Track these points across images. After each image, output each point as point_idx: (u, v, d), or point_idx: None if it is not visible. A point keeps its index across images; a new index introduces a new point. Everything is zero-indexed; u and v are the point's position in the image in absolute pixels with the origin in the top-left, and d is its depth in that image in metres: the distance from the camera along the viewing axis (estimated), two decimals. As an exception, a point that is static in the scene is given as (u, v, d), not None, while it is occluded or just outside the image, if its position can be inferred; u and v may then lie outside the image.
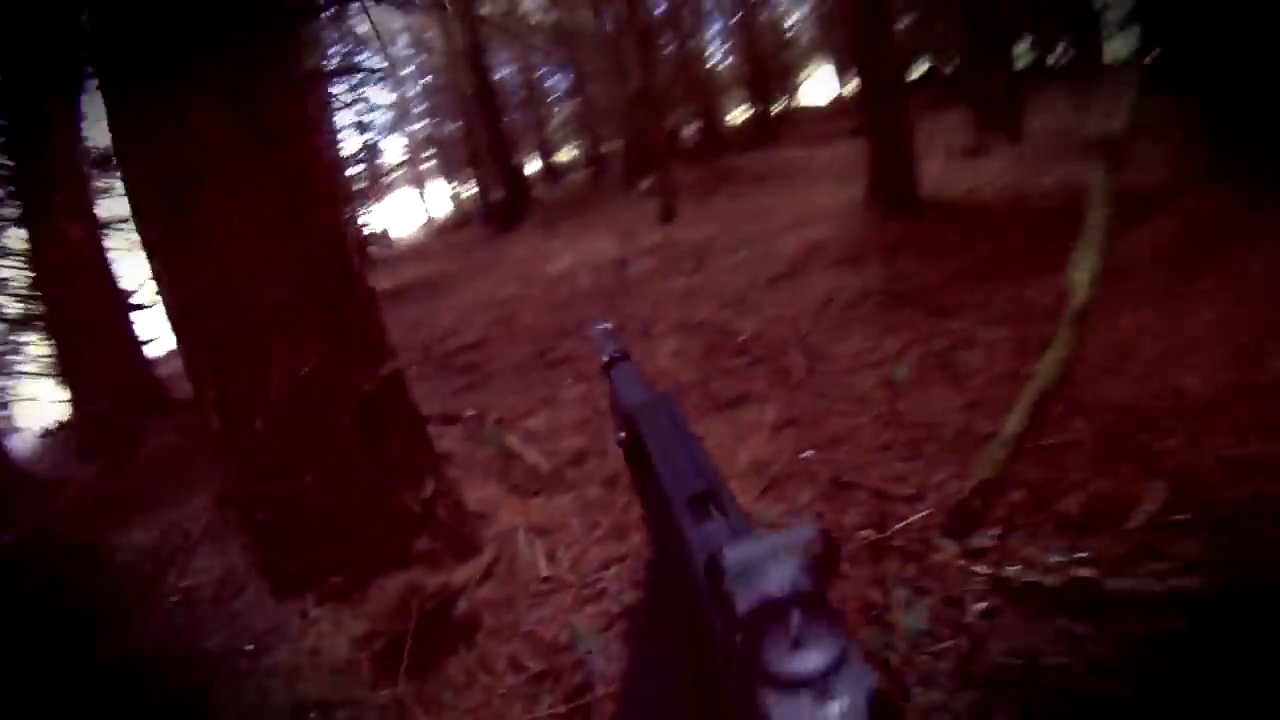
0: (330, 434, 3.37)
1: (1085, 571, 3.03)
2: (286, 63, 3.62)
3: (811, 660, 0.58)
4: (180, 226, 3.23)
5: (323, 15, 6.74)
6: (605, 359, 1.18)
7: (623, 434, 1.02)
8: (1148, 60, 4.91)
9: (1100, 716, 2.55)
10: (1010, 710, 2.60)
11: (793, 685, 0.57)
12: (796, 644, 0.59)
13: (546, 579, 3.68)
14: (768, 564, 0.65)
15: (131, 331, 7.27)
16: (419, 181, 29.35)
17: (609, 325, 1.25)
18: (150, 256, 3.46)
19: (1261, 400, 3.99)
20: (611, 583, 3.56)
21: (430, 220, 28.11)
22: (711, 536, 0.74)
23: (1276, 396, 3.99)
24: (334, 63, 13.90)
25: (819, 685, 0.57)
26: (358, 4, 6.04)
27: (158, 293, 3.63)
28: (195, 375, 3.49)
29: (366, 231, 20.29)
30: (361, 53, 16.27)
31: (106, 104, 3.36)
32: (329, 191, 3.69)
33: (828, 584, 0.63)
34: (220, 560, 4.16)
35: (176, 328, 3.48)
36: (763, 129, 22.29)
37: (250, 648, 3.44)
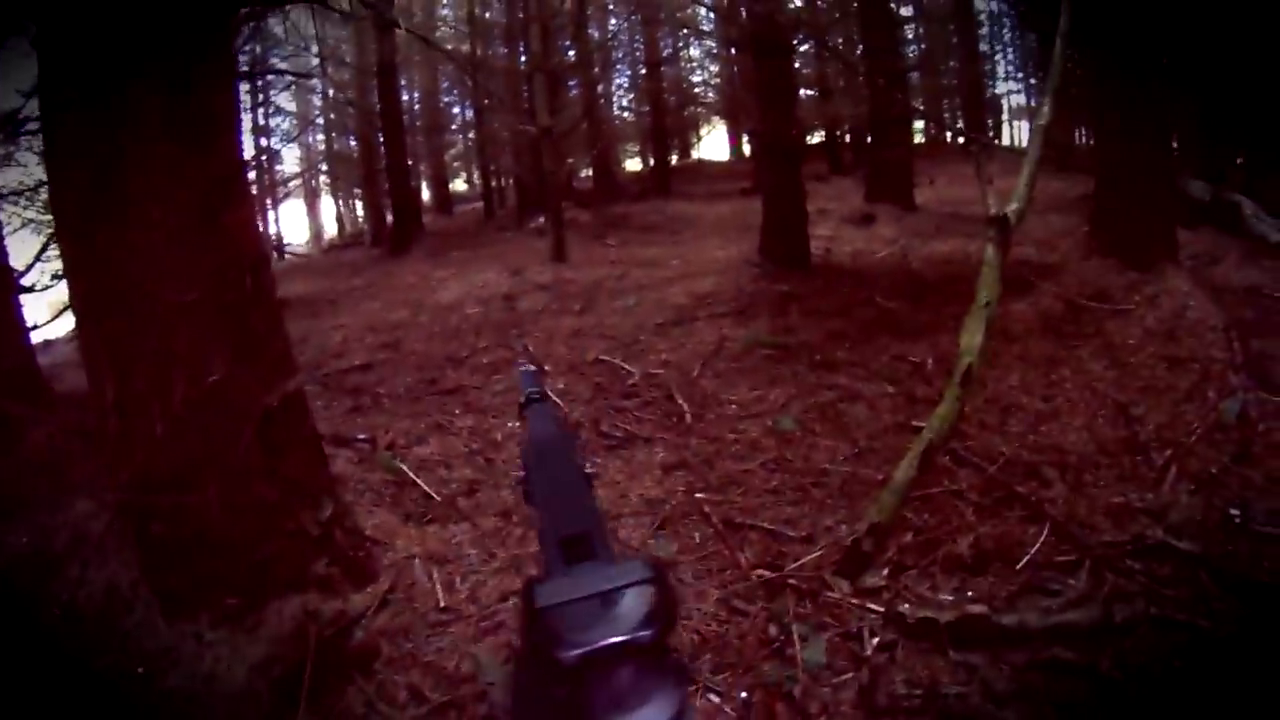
0: (232, 446, 3.26)
1: (977, 608, 3.21)
2: (225, 56, 3.56)
3: None
4: (99, 206, 3.08)
5: (262, 10, 6.52)
6: (523, 399, 1.18)
7: (522, 473, 1.03)
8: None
9: None
10: None
11: None
12: (625, 701, 0.56)
13: (445, 609, 3.63)
14: (604, 607, 0.61)
15: (18, 315, 6.87)
16: (309, 196, 28.73)
17: (532, 366, 1.26)
18: (61, 236, 3.33)
19: (1136, 454, 4.37)
20: (511, 615, 3.52)
21: (318, 237, 27.53)
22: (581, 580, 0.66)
23: (1150, 451, 4.30)
24: (246, 62, 13.53)
25: None
26: (290, 4, 5.92)
27: (62, 275, 3.47)
28: (93, 371, 3.33)
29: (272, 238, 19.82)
30: (274, 55, 15.95)
31: (40, 65, 3.22)
32: (247, 196, 3.59)
33: (669, 629, 0.60)
34: (103, 573, 3.81)
35: (79, 317, 3.33)
36: (658, 180, 22.59)
37: (141, 671, 3.20)
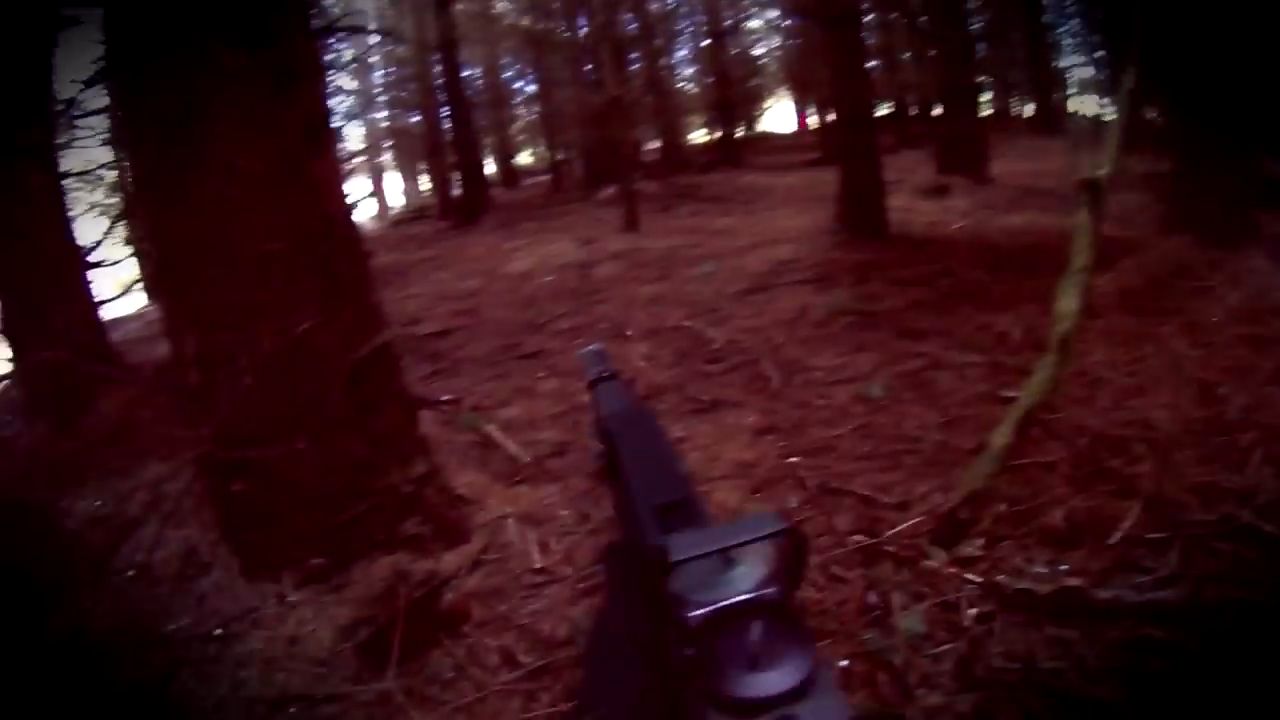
0: (320, 400, 3.17)
1: (1072, 581, 3.11)
2: (303, 8, 3.48)
3: (773, 682, 0.52)
4: (178, 157, 3.02)
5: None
6: (591, 378, 1.16)
7: (602, 448, 1.02)
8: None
9: (1091, 717, 2.62)
10: (1010, 712, 2.65)
11: (748, 711, 0.52)
12: (756, 662, 0.53)
13: (540, 570, 3.52)
14: (726, 565, 0.60)
15: (87, 290, 7.03)
16: (375, 172, 29.05)
17: (598, 347, 1.25)
18: (139, 188, 3.29)
19: (1224, 434, 4.18)
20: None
21: (384, 212, 27.83)
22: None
23: (1238, 431, 4.18)
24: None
25: (780, 713, 0.51)
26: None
27: (138, 238, 3.45)
28: (174, 324, 3.30)
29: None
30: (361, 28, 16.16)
31: (105, 20, 3.21)
32: (331, 146, 3.49)
33: (795, 590, 0.59)
34: (181, 533, 3.84)
35: (159, 269, 3.29)
36: (724, 152, 22.49)
37: (219, 632, 3.17)
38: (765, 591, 0.58)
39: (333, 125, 3.58)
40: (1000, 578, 3.21)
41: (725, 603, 0.57)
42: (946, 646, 2.94)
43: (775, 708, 0.51)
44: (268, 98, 3.04)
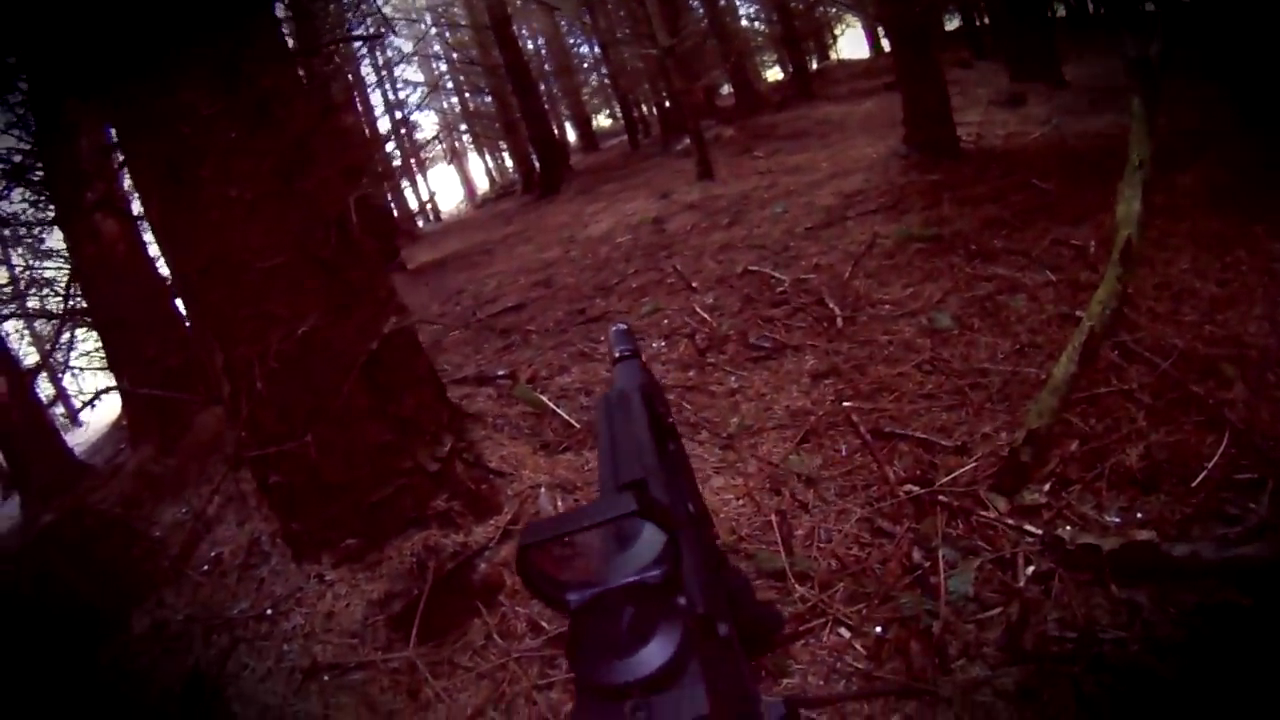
0: (335, 393, 3.35)
1: (1145, 534, 2.77)
2: (276, 34, 3.69)
3: (629, 669, 0.52)
4: (177, 199, 3.28)
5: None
6: (615, 355, 1.16)
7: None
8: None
9: (1155, 700, 2.32)
10: (1060, 691, 2.37)
11: (606, 695, 0.52)
12: (620, 648, 0.53)
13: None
14: (619, 546, 0.59)
15: (176, 318, 7.36)
16: (456, 157, 29.40)
17: (623, 326, 1.23)
18: (155, 232, 3.57)
19: None
20: None
21: (472, 194, 28.21)
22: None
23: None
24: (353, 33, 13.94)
25: (635, 701, 0.51)
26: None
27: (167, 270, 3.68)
28: (202, 344, 3.56)
29: (408, 204, 20.41)
30: (387, 35, 16.36)
31: (108, 94, 3.43)
32: (326, 156, 3.63)
33: (675, 573, 0.57)
34: (247, 528, 4.18)
35: (183, 298, 3.59)
36: (798, 86, 22.01)
37: (270, 612, 3.47)
38: (647, 575, 0.58)
39: (329, 136, 3.72)
40: (1064, 530, 2.95)
41: (602, 588, 0.57)
42: (995, 611, 2.72)
43: (630, 695, 0.51)
44: (248, 129, 3.26)
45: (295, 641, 3.25)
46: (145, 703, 3.34)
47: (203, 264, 3.30)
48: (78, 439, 9.86)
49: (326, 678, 3.04)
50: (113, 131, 7.44)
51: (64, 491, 7.37)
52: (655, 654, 0.52)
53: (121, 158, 7.54)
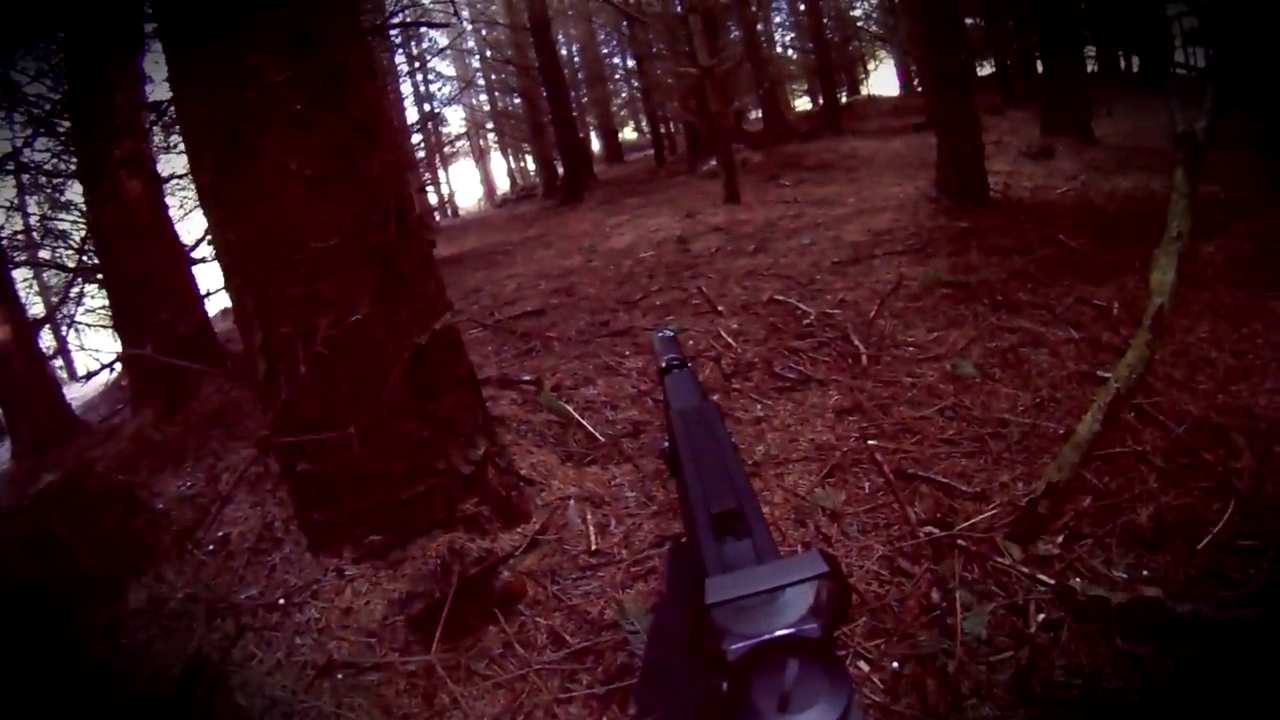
0: (379, 385, 3.30)
1: (1151, 591, 2.89)
2: (351, 6, 3.58)
3: None
4: (233, 166, 3.19)
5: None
6: (662, 364, 1.16)
7: (667, 443, 1.02)
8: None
9: None
10: None
11: None
12: (788, 701, 0.53)
13: (596, 552, 3.56)
14: (767, 600, 0.59)
15: (190, 285, 7.36)
16: (480, 155, 29.44)
17: (669, 332, 1.24)
18: (203, 197, 3.45)
19: None
20: (662, 563, 3.40)
21: (492, 193, 28.23)
22: (732, 557, 0.67)
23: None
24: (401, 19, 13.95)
25: None
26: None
27: (210, 237, 3.60)
28: (242, 318, 3.47)
29: (430, 197, 20.45)
30: (424, 22, 16.38)
31: (164, 46, 3.37)
32: (389, 140, 3.57)
33: (836, 628, 0.58)
34: (259, 511, 4.12)
35: (226, 269, 3.45)
36: (828, 118, 22.12)
37: (282, 602, 3.39)
38: (806, 628, 0.57)
39: (386, 121, 3.67)
40: (1074, 581, 3.05)
41: (764, 638, 0.56)
42: (1007, 654, 2.81)
43: None
44: (315, 101, 3.17)
45: (309, 635, 3.20)
46: (138, 681, 3.24)
47: (254, 236, 3.23)
48: (73, 393, 9.80)
49: (340, 675, 3.00)
50: (148, 89, 7.60)
51: (57, 446, 7.29)
52: (827, 710, 0.53)
53: (154, 117, 7.71)
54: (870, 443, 4.29)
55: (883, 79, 30.76)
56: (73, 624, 3.63)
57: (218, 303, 8.58)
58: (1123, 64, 22.49)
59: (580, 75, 24.76)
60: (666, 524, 3.73)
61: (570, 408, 5.16)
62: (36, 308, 13.60)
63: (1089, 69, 17.34)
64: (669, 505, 3.88)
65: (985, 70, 22.87)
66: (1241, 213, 6.71)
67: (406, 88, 24.57)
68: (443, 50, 22.72)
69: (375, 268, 3.32)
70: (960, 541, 3.39)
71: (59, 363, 14.56)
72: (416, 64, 24.46)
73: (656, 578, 3.35)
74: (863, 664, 2.85)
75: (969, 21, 16.64)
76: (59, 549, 3.77)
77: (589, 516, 3.81)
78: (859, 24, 26.66)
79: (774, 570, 0.58)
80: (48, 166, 9.12)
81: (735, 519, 0.74)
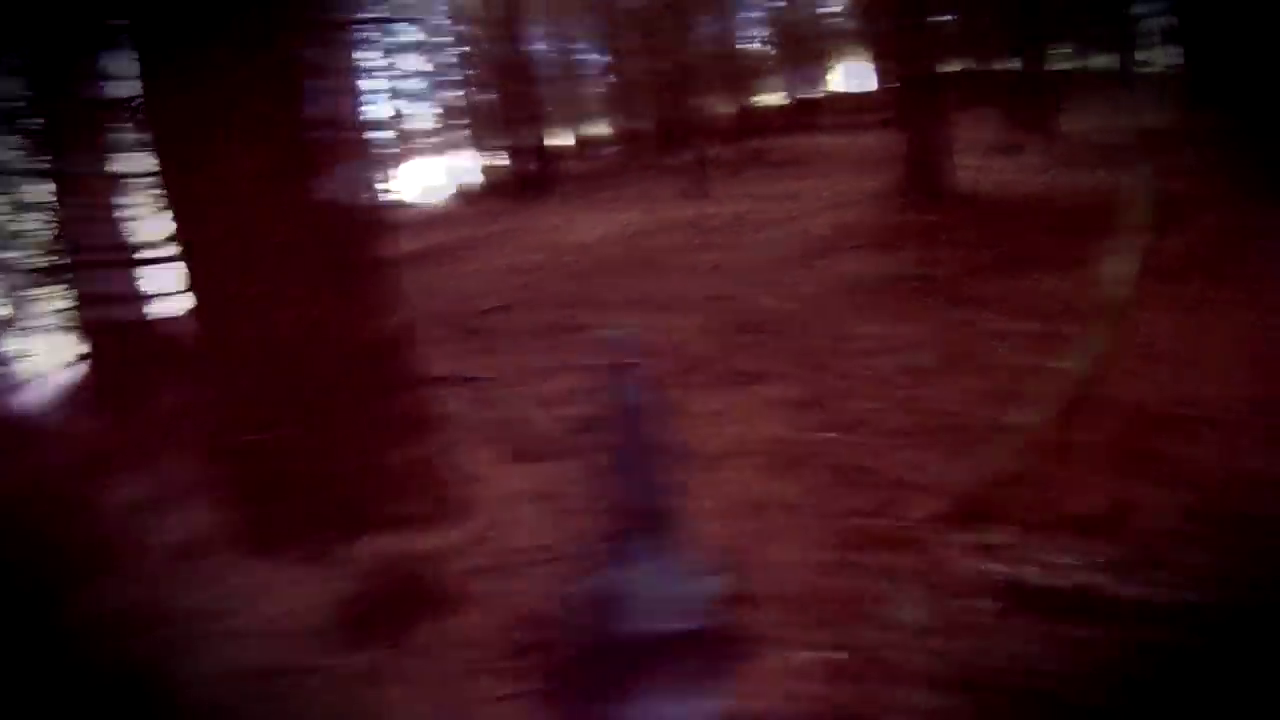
0: (329, 384, 3.33)
1: (1094, 578, 2.93)
2: (305, 10, 3.56)
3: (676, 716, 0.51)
4: (197, 162, 3.22)
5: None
6: (613, 363, 1.16)
7: (608, 436, 1.00)
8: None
9: None
10: (1005, 718, 2.46)
11: None
12: (667, 695, 0.52)
13: (541, 547, 3.51)
14: (656, 591, 0.57)
15: (148, 286, 7.28)
16: (449, 149, 29.37)
17: (622, 333, 1.23)
18: (165, 195, 3.50)
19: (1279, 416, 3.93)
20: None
21: (459, 188, 28.14)
22: (642, 552, 0.66)
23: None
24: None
25: None
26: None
27: (173, 237, 3.62)
28: (201, 317, 3.50)
29: (393, 194, 20.35)
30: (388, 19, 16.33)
31: (133, 46, 3.45)
32: (350, 138, 3.64)
33: (726, 623, 0.53)
34: (207, 515, 3.99)
35: (188, 267, 3.48)
36: (796, 114, 22.15)
37: (222, 607, 3.34)
38: (702, 621, 0.54)
39: (346, 120, 3.71)
40: (1019, 569, 3.05)
41: (664, 628, 0.54)
42: (949, 642, 2.76)
43: None
44: (280, 97, 3.23)
45: (249, 640, 3.15)
46: (82, 691, 3.11)
47: (208, 233, 3.28)
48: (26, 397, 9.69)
49: (278, 680, 2.95)
50: (104, 85, 7.50)
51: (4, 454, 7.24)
52: (705, 704, 0.51)
53: (118, 114, 7.61)
54: (821, 435, 4.29)
55: (853, 74, 30.86)
56: (12, 636, 3.49)
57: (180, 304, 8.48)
58: (1092, 61, 22.63)
59: (551, 69, 24.70)
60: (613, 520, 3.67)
61: (524, 404, 5.13)
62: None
63: (1058, 66, 17.45)
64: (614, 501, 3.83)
65: (954, 66, 22.97)
66: (1206, 207, 6.71)
67: (373, 83, 24.45)
68: (416, 46, 22.58)
69: (329, 264, 3.37)
70: (907, 532, 3.37)
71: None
72: (385, 59, 24.32)
73: (600, 573, 3.30)
74: (805, 653, 2.79)
75: (941, 18, 16.71)
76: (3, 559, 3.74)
77: (534, 512, 3.79)
78: (830, 19, 26.71)
79: (676, 566, 0.55)
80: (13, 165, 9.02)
81: (655, 517, 0.71)
